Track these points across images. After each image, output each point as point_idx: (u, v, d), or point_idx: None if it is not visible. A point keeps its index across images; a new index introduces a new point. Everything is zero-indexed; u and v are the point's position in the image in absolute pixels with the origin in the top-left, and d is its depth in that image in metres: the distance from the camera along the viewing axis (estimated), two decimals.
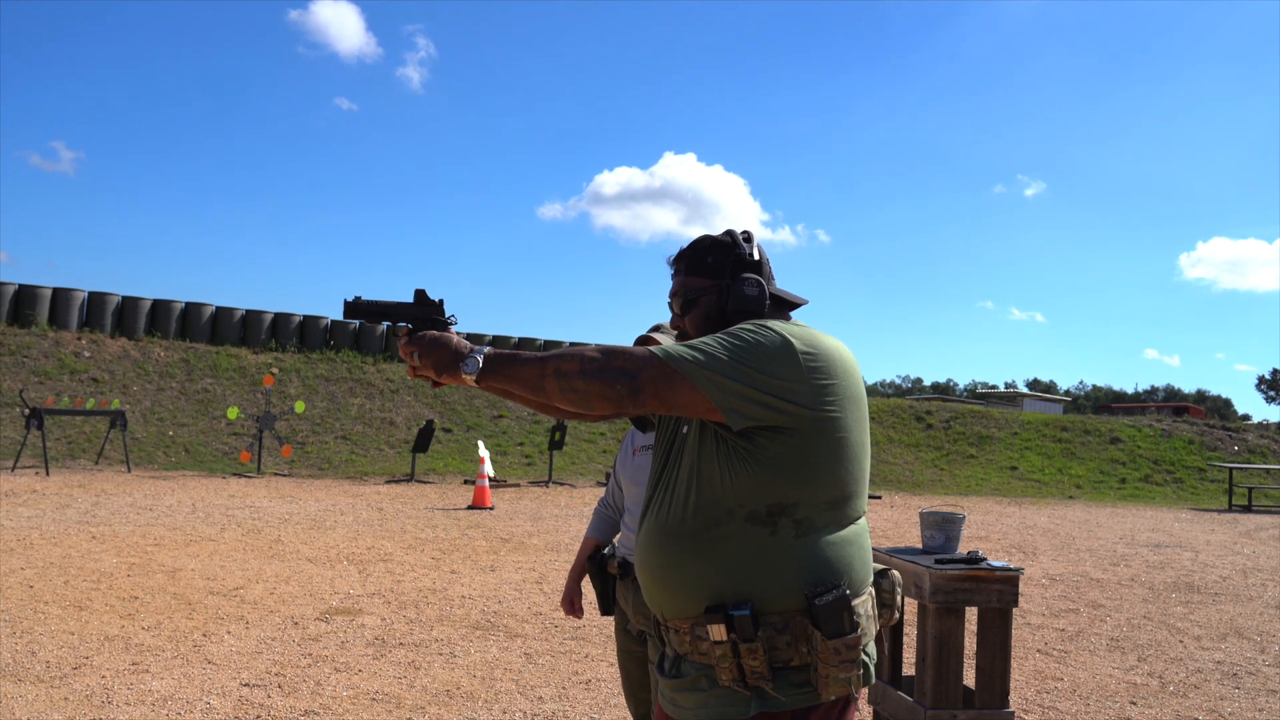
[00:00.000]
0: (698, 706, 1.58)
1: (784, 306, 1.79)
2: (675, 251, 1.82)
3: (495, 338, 22.89)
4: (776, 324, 1.61)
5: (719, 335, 1.59)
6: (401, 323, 1.77)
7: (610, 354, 1.55)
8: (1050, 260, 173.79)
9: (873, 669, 1.60)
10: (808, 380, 1.55)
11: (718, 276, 1.75)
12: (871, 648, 1.64)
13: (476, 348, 1.67)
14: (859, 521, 1.64)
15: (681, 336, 1.80)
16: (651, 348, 1.57)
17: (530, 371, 1.60)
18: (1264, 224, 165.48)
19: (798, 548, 1.54)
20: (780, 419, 1.54)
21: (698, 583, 1.57)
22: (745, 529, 1.55)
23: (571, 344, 23.05)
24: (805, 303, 1.81)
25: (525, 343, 23.08)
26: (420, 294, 1.81)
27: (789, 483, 1.54)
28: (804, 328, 1.65)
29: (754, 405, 1.53)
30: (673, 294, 1.80)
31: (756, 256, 1.75)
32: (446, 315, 1.78)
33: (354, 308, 1.83)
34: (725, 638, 1.52)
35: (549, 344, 23.21)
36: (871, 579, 1.65)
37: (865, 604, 1.60)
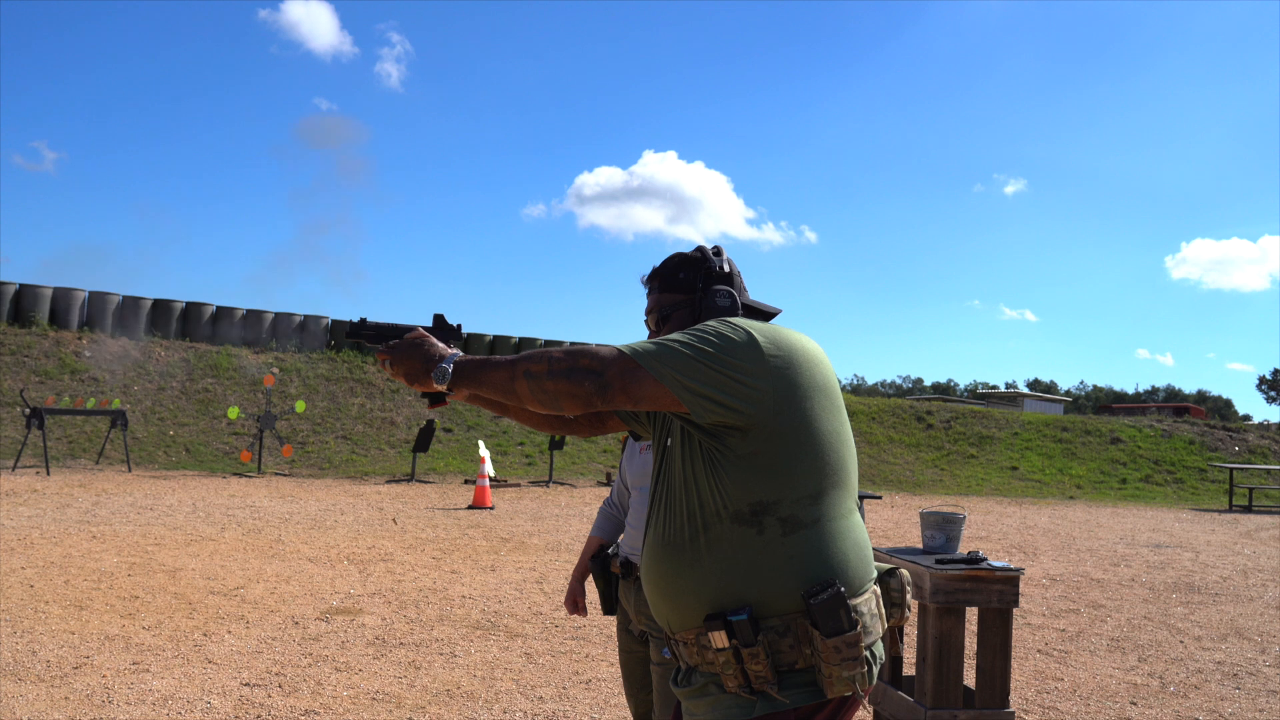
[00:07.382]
0: (707, 710, 1.59)
1: (757, 316, 1.81)
2: (649, 271, 1.88)
3: (495, 338, 22.91)
4: (741, 320, 1.63)
5: (685, 331, 1.61)
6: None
7: (576, 354, 1.57)
8: (1036, 258, 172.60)
9: (877, 668, 1.60)
10: (772, 373, 1.56)
11: (691, 291, 1.81)
12: (879, 646, 1.63)
13: (450, 353, 1.64)
14: (849, 516, 1.63)
15: None
16: (617, 345, 1.59)
17: (501, 375, 1.59)
18: (1247, 223, 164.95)
19: (788, 546, 1.54)
20: (745, 414, 1.54)
21: (696, 591, 1.58)
22: (732, 531, 1.56)
23: (572, 344, 23.11)
24: (779, 312, 1.84)
25: (526, 343, 23.08)
26: (439, 319, 1.73)
27: (766, 480, 1.55)
28: (769, 325, 1.67)
29: (716, 401, 1.54)
30: (648, 311, 1.86)
31: (727, 269, 1.81)
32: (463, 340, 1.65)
33: (358, 329, 1.72)
34: (727, 644, 1.52)
35: (549, 343, 23.23)
36: (874, 576, 1.65)
37: (868, 602, 1.59)
